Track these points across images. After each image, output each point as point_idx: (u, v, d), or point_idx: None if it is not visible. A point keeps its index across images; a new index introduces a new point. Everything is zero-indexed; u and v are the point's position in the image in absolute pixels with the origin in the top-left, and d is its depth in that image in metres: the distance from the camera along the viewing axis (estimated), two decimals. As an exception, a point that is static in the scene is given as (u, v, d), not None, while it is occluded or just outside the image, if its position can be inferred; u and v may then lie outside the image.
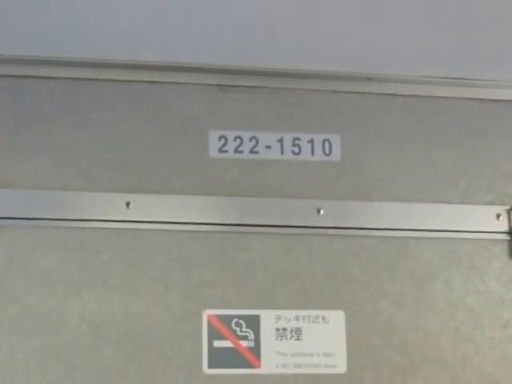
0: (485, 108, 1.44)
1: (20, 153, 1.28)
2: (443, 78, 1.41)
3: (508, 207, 1.39)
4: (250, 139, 1.36)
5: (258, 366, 1.26)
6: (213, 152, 1.34)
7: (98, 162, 1.30)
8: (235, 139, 1.35)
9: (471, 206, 1.39)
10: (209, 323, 1.26)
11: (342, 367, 1.28)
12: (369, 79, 1.39)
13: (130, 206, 1.28)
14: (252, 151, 1.35)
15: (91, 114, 1.33)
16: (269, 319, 1.28)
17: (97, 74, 1.33)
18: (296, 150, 1.36)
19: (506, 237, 1.38)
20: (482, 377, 1.31)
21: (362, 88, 1.41)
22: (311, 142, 1.37)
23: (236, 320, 1.27)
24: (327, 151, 1.37)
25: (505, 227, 1.38)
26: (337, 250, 1.33)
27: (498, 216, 1.38)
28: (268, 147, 1.36)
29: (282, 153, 1.36)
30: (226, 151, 1.34)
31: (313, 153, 1.37)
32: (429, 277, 1.35)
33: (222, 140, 1.35)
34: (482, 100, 1.44)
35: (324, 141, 1.37)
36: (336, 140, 1.38)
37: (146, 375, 1.22)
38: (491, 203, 1.40)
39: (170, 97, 1.36)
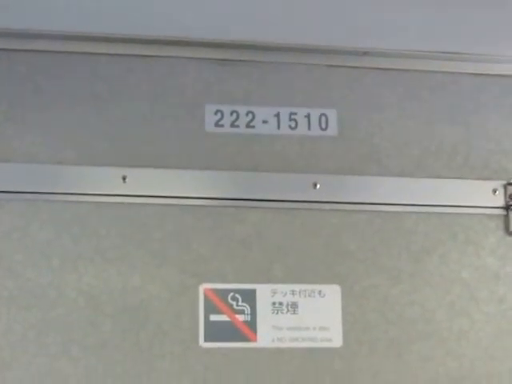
0: (480, 83, 1.41)
1: (15, 127, 1.25)
2: (439, 52, 1.37)
3: (504, 182, 1.36)
4: (247, 114, 1.32)
5: (254, 340, 1.24)
6: (209, 126, 1.31)
7: (94, 136, 1.27)
8: (231, 114, 1.32)
9: (467, 180, 1.36)
10: (205, 297, 1.24)
11: (337, 341, 1.26)
12: (365, 54, 1.36)
13: (127, 180, 1.25)
14: (248, 126, 1.32)
15: (87, 87, 1.29)
16: (265, 293, 1.26)
17: (93, 48, 1.29)
18: (292, 124, 1.33)
19: (501, 212, 1.35)
20: (477, 351, 1.29)
21: (359, 62, 1.37)
22: (308, 116, 1.34)
23: (232, 294, 1.25)
24: (324, 126, 1.34)
25: (501, 202, 1.35)
26: (333, 225, 1.30)
27: (495, 191, 1.35)
28: (264, 122, 1.32)
29: (278, 127, 1.33)
30: (222, 126, 1.31)
31: (309, 127, 1.34)
32: (425, 251, 1.32)
33: (219, 114, 1.31)
34: (477, 75, 1.41)
35: (320, 115, 1.34)
36: (332, 114, 1.35)
37: (142, 348, 1.20)
38: (487, 178, 1.37)
39: (166, 71, 1.32)
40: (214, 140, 1.30)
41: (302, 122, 1.33)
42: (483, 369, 1.28)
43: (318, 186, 1.30)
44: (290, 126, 1.32)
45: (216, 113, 1.31)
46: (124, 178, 1.24)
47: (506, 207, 1.34)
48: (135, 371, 1.19)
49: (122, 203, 1.24)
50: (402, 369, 1.26)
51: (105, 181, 1.25)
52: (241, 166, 1.29)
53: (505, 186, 1.35)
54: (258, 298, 1.25)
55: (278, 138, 1.32)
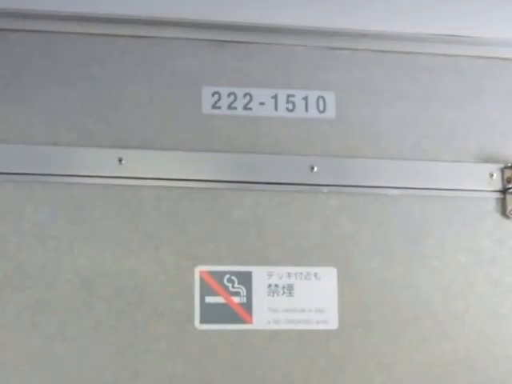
0: (478, 66, 1.38)
1: (11, 108, 1.21)
2: (437, 35, 1.33)
3: (501, 166, 1.33)
4: (244, 95, 1.29)
5: (250, 322, 1.21)
6: (206, 108, 1.27)
7: (89, 117, 1.23)
8: (229, 95, 1.28)
9: (465, 164, 1.33)
10: (201, 279, 1.21)
11: (333, 323, 1.23)
12: (364, 36, 1.32)
13: (123, 161, 1.21)
14: (246, 108, 1.28)
15: (84, 69, 1.25)
16: (261, 275, 1.23)
17: (89, 29, 1.25)
18: (290, 106, 1.29)
19: (498, 195, 1.32)
20: (472, 333, 1.26)
21: (357, 45, 1.34)
22: (305, 98, 1.30)
23: (228, 276, 1.22)
24: (321, 108, 1.30)
25: (498, 186, 1.32)
26: (330, 207, 1.27)
27: (492, 175, 1.32)
28: (262, 104, 1.29)
29: (275, 109, 1.29)
30: (219, 107, 1.27)
31: (307, 110, 1.30)
32: (421, 234, 1.29)
33: (216, 96, 1.27)
34: (475, 57, 1.37)
35: (318, 98, 1.30)
36: (331, 97, 1.31)
37: (138, 330, 1.17)
38: (485, 161, 1.34)
39: (163, 52, 1.28)
40: (211, 122, 1.26)
41: (300, 104, 1.30)
42: (478, 350, 1.26)
43: (316, 169, 1.26)
44: (287, 109, 1.29)
45: (213, 95, 1.27)
46: (120, 160, 1.21)
47: (503, 190, 1.31)
48: (130, 353, 1.16)
49: (118, 185, 1.21)
50: (398, 351, 1.24)
51: (100, 162, 1.21)
52: (238, 148, 1.26)
53: (502, 170, 1.32)
54: (254, 280, 1.22)
55: (276, 121, 1.29)
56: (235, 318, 1.19)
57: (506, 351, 1.26)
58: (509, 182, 1.30)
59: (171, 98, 1.25)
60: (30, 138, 1.20)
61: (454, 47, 1.34)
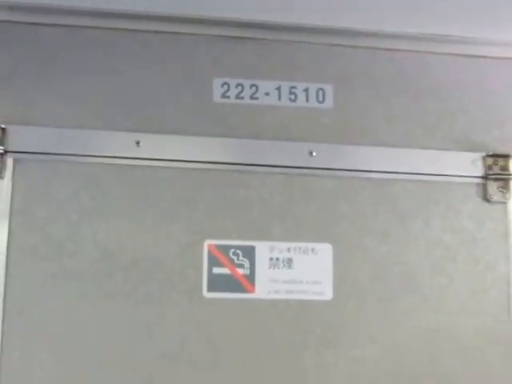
0: (463, 63, 1.43)
1: (41, 94, 1.28)
2: (426, 34, 1.39)
3: (483, 154, 1.38)
4: (251, 86, 1.34)
5: (253, 291, 1.27)
6: (216, 97, 1.33)
7: (111, 104, 1.30)
8: (237, 86, 1.34)
9: (450, 152, 1.38)
10: (209, 252, 1.27)
11: (328, 294, 1.29)
12: (360, 34, 1.38)
13: (140, 144, 1.27)
14: (252, 97, 1.34)
15: (107, 60, 1.31)
16: (263, 250, 1.29)
17: (113, 24, 1.32)
18: (292, 97, 1.35)
19: (480, 181, 1.37)
20: (454, 306, 1.32)
21: (355, 42, 1.39)
22: (306, 90, 1.36)
23: (233, 250, 1.28)
24: (321, 99, 1.36)
25: (479, 172, 1.37)
26: (327, 189, 1.32)
27: (474, 162, 1.37)
28: (267, 94, 1.35)
29: (279, 99, 1.35)
30: (228, 97, 1.33)
31: (307, 100, 1.35)
32: (410, 216, 1.34)
33: (225, 87, 1.33)
34: (460, 55, 1.43)
35: (318, 89, 1.36)
36: (329, 89, 1.37)
37: (152, 298, 1.23)
38: (468, 150, 1.39)
39: (178, 46, 1.34)
40: (221, 110, 1.32)
41: (301, 95, 1.35)
42: (459, 322, 1.31)
43: (314, 154, 1.32)
44: (289, 99, 1.34)
45: (223, 85, 1.33)
46: (138, 143, 1.27)
47: (484, 177, 1.36)
48: (144, 318, 1.22)
49: (135, 166, 1.27)
50: (387, 321, 1.29)
51: (120, 145, 1.27)
52: (245, 133, 1.31)
53: (483, 158, 1.37)
54: (257, 253, 1.28)
55: (279, 109, 1.34)
56: (239, 288, 1.26)
57: (485, 322, 1.31)
58: (489, 169, 1.35)
59: (185, 88, 1.31)
60: (57, 122, 1.26)
61: (440, 46, 1.40)
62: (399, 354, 1.29)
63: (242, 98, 1.33)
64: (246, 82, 1.34)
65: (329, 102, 1.36)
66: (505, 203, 1.36)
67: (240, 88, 1.33)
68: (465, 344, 1.31)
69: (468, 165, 1.37)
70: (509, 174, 1.36)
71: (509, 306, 1.33)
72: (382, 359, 1.28)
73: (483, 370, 1.31)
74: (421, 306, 1.31)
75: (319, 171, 1.32)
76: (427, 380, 1.28)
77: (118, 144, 1.27)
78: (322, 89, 1.36)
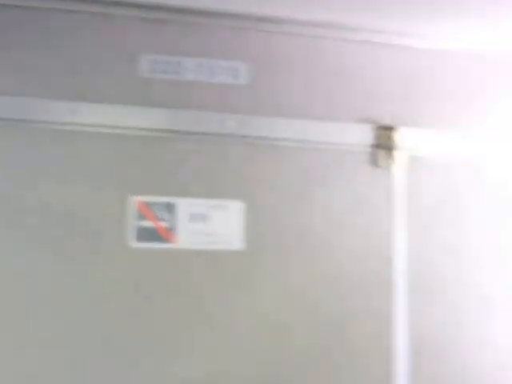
0: (360, 49, 1.57)
1: None
2: (336, 23, 1.52)
3: (374, 126, 1.54)
4: (175, 63, 1.45)
5: (174, 242, 1.41)
6: (144, 72, 1.44)
7: (49, 76, 1.40)
8: (163, 62, 1.45)
9: (347, 124, 1.53)
10: (137, 208, 1.40)
11: (239, 245, 1.44)
12: (276, 20, 1.50)
13: (76, 112, 1.38)
14: (175, 73, 1.45)
15: (44, 37, 1.41)
16: (183, 206, 1.42)
17: (48, 5, 1.41)
18: (211, 73, 1.47)
19: (371, 149, 1.53)
20: (344, 254, 1.50)
21: (271, 28, 1.51)
22: (224, 67, 1.48)
23: (158, 206, 1.40)
24: (235, 76, 1.48)
25: (370, 142, 1.53)
26: (239, 154, 1.47)
27: (366, 133, 1.53)
28: (189, 70, 1.46)
29: (200, 75, 1.46)
30: (154, 71, 1.44)
31: (225, 76, 1.47)
32: (310, 179, 1.50)
33: (152, 62, 1.44)
34: (358, 42, 1.57)
35: (234, 68, 1.48)
36: (244, 67, 1.49)
37: (86, 250, 1.37)
38: (361, 122, 1.54)
39: (110, 27, 1.44)
40: (148, 83, 1.44)
41: (218, 71, 1.47)
42: (348, 267, 1.50)
43: (230, 123, 1.46)
44: (209, 75, 1.47)
45: (150, 61, 1.44)
46: (73, 111, 1.38)
47: (375, 146, 1.53)
48: (78, 266, 1.36)
49: (72, 131, 1.38)
50: (291, 268, 1.46)
51: (58, 112, 1.38)
52: (168, 104, 1.44)
53: (373, 129, 1.53)
54: (178, 209, 1.42)
55: (199, 84, 1.46)
56: (163, 239, 1.40)
57: (372, 267, 1.50)
58: (379, 139, 1.52)
59: (117, 64, 1.43)
60: (3, 91, 1.36)
61: (340, 32, 1.55)
62: (300, 294, 1.46)
63: (167, 72, 1.44)
64: (170, 59, 1.45)
65: (244, 79, 1.49)
66: (389, 168, 1.54)
67: (165, 64, 1.45)
68: (351, 286, 1.49)
69: (361, 135, 1.53)
70: (392, 144, 1.53)
71: (389, 254, 1.52)
72: (283, 299, 1.45)
73: (366, 305, 1.50)
74: (316, 255, 1.48)
75: (232, 138, 1.46)
76: (327, 316, 1.47)
77: (55, 111, 1.38)
78: (238, 66, 1.49)
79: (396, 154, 1.54)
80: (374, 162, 1.53)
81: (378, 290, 1.51)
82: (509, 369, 1.57)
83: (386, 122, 1.55)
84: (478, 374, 1.55)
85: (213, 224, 1.43)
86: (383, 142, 1.53)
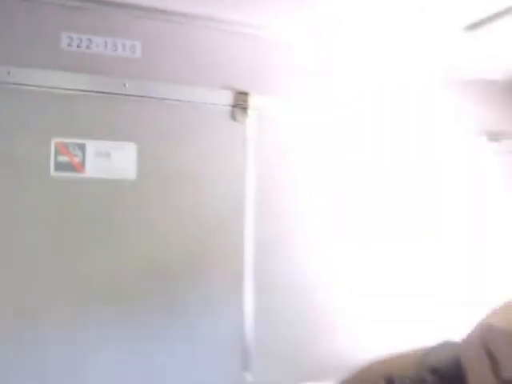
0: (231, 36, 2.08)
1: None
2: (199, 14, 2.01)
3: (233, 91, 2.06)
4: (86, 40, 1.92)
5: (83, 172, 1.90)
6: (63, 46, 1.90)
7: None
8: (78, 39, 1.91)
9: (213, 88, 2.04)
10: (55, 146, 1.87)
11: (133, 176, 1.94)
12: (155, 11, 1.98)
13: (10, 73, 1.83)
14: (87, 47, 1.92)
15: None
16: (91, 146, 1.91)
17: None
18: (114, 48, 1.94)
19: (231, 108, 2.05)
20: (210, 186, 2.02)
21: (159, 16, 1.98)
22: (124, 44, 1.95)
23: (72, 145, 1.88)
24: (133, 51, 1.96)
25: (230, 103, 2.05)
26: (135, 109, 1.95)
27: (227, 96, 2.04)
28: (97, 45, 1.93)
29: (105, 49, 1.94)
30: (71, 46, 1.90)
31: (124, 51, 1.95)
32: (186, 129, 2.00)
33: (70, 38, 1.91)
34: (222, 30, 2.07)
35: (131, 44, 1.96)
36: (139, 44, 1.97)
37: (15, 182, 1.82)
38: (225, 88, 2.05)
39: (39, 10, 1.88)
40: (67, 54, 1.90)
41: (120, 47, 1.94)
42: (211, 196, 2.02)
43: (127, 85, 1.93)
44: (112, 49, 1.94)
45: (68, 37, 1.90)
46: (8, 73, 1.83)
47: (234, 106, 2.04)
48: (6, 192, 1.81)
49: (8, 89, 1.82)
50: (170, 193, 1.97)
51: None
52: (83, 70, 1.90)
53: (233, 94, 2.05)
54: (87, 148, 1.90)
55: (105, 56, 1.93)
56: (75, 170, 1.88)
57: (229, 194, 2.02)
58: (237, 101, 2.02)
59: (44, 38, 1.86)
60: None
61: (213, 22, 2.03)
62: (177, 213, 1.97)
63: (81, 47, 1.91)
64: (83, 37, 1.91)
65: (138, 53, 1.97)
66: (244, 123, 2.05)
67: (79, 40, 1.91)
68: (214, 209, 2.01)
69: (223, 98, 2.03)
70: (247, 105, 2.04)
71: (242, 187, 2.05)
72: (164, 215, 1.96)
73: (224, 223, 2.04)
74: (189, 184, 1.99)
75: (129, 97, 1.93)
76: (196, 228, 1.99)
77: (-5, 73, 1.84)
78: (134, 44, 1.96)
79: (249, 112, 2.04)
80: (233, 117, 2.03)
81: (233, 213, 2.06)
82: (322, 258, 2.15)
83: (242, 88, 2.06)
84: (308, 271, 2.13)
85: (113, 160, 1.91)
86: (240, 103, 2.03)
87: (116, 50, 1.94)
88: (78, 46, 1.90)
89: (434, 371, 0.67)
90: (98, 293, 1.91)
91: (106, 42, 1.93)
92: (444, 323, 2.16)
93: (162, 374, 1.95)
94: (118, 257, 1.93)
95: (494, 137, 2.55)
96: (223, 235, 2.05)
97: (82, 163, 1.89)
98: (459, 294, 2.42)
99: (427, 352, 0.71)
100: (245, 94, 2.05)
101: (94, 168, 1.90)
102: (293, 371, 2.11)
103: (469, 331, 0.64)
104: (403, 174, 2.37)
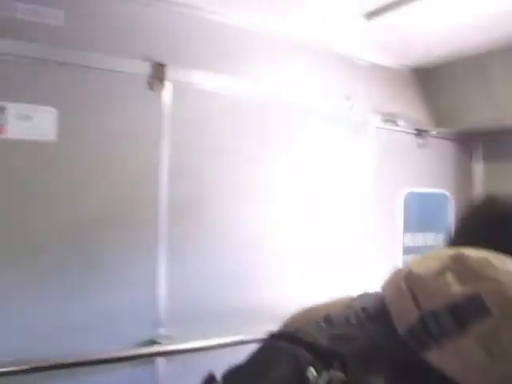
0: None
1: None
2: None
3: (152, 63, 2.17)
4: (11, 5, 1.97)
5: (5, 134, 1.97)
6: None
7: None
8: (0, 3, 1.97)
9: (133, 60, 2.14)
10: None
11: (53, 138, 2.02)
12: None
13: None
14: (12, 13, 1.97)
15: None
16: (12, 110, 1.97)
17: None
18: (39, 15, 2.01)
19: (148, 79, 2.16)
20: (126, 152, 2.14)
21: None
22: (48, 12, 2.02)
23: None
24: (56, 18, 2.03)
25: (148, 73, 2.17)
26: (58, 75, 2.02)
27: (146, 67, 2.16)
28: (22, 12, 1.98)
29: (30, 16, 1.99)
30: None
31: (47, 18, 2.02)
32: (106, 96, 2.10)
33: None
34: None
35: (55, 12, 2.03)
36: (62, 14, 2.05)
37: None
38: (144, 60, 2.16)
39: None
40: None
41: (45, 14, 2.00)
42: (127, 161, 2.14)
43: (53, 53, 2.00)
44: (37, 17, 1.99)
45: None
46: None
47: (151, 76, 2.15)
48: None
49: None
50: (90, 155, 2.07)
51: None
52: (6, 35, 1.94)
53: (152, 65, 2.16)
54: (8, 112, 1.96)
55: (31, 23, 1.98)
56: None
57: (144, 162, 2.15)
58: (155, 72, 2.13)
59: None
60: None
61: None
62: (94, 174, 2.07)
63: (4, 12, 1.96)
64: (7, 2, 1.97)
65: (61, 21, 2.03)
66: (160, 92, 2.18)
67: (2, 4, 1.96)
68: (130, 176, 2.15)
69: (143, 68, 2.15)
70: (164, 75, 2.16)
71: (157, 154, 2.18)
72: (84, 176, 2.06)
73: (140, 188, 2.17)
74: (108, 147, 2.10)
75: (51, 63, 2.00)
76: (110, 189, 2.11)
77: None
78: (57, 12, 2.02)
79: (166, 83, 2.17)
80: (150, 87, 2.16)
81: (149, 179, 2.20)
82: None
83: (161, 60, 2.18)
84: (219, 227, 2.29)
85: (34, 122, 1.99)
86: (157, 74, 2.16)
87: (40, 17, 2.00)
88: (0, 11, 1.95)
89: (364, 309, 0.88)
90: (16, 254, 1.97)
91: (30, 9, 1.99)
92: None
93: (84, 330, 2.06)
94: (36, 218, 2.01)
95: (388, 117, 2.83)
96: (137, 199, 2.17)
97: (4, 125, 1.95)
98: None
99: (355, 298, 0.95)
100: (162, 65, 2.17)
101: (15, 130, 1.96)
102: (205, 326, 2.27)
103: (386, 277, 0.88)
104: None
